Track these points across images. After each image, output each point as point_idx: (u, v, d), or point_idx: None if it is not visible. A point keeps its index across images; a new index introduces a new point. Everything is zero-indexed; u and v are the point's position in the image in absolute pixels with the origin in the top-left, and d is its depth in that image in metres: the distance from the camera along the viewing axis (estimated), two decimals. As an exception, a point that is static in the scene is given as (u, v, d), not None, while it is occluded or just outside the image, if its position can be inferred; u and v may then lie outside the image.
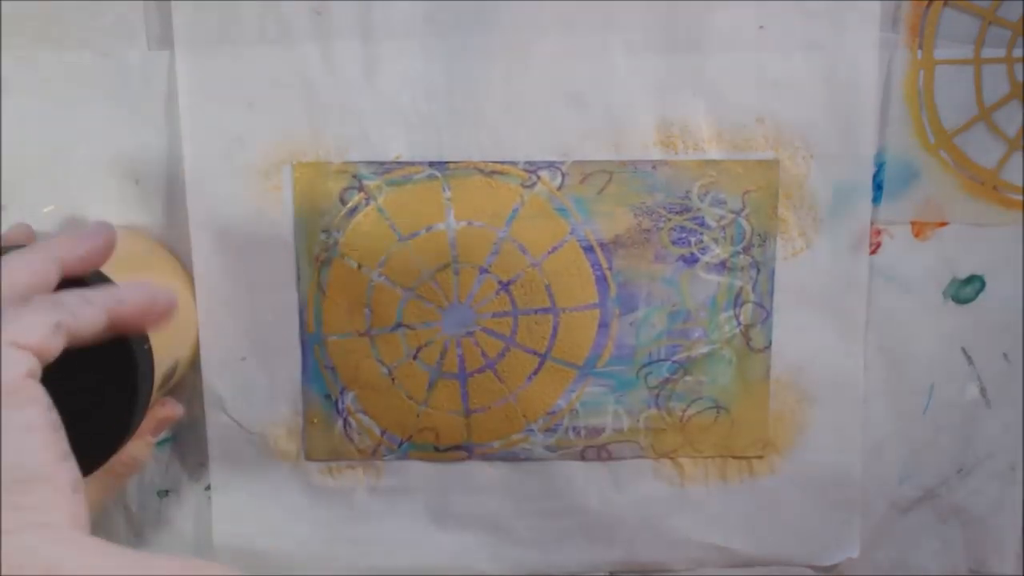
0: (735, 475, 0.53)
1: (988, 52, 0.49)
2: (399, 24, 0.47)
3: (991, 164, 0.50)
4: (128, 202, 0.49)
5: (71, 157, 0.49)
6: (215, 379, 0.50)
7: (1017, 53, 0.49)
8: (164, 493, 0.53)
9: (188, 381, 0.51)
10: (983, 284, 0.52)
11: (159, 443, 0.52)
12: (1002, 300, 0.52)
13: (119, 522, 0.53)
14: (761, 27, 0.48)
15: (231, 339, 0.50)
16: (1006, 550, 0.55)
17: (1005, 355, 0.53)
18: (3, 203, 0.49)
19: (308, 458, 0.51)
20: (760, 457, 0.52)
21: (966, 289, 0.52)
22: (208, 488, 0.52)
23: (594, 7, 0.48)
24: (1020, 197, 0.51)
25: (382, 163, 0.49)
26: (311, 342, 0.50)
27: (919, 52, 0.49)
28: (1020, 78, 0.49)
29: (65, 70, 0.48)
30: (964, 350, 0.53)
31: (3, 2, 0.47)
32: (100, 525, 0.53)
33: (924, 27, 0.49)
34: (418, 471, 0.52)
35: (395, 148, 0.49)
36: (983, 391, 0.53)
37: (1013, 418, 0.54)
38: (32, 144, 0.49)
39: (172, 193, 0.49)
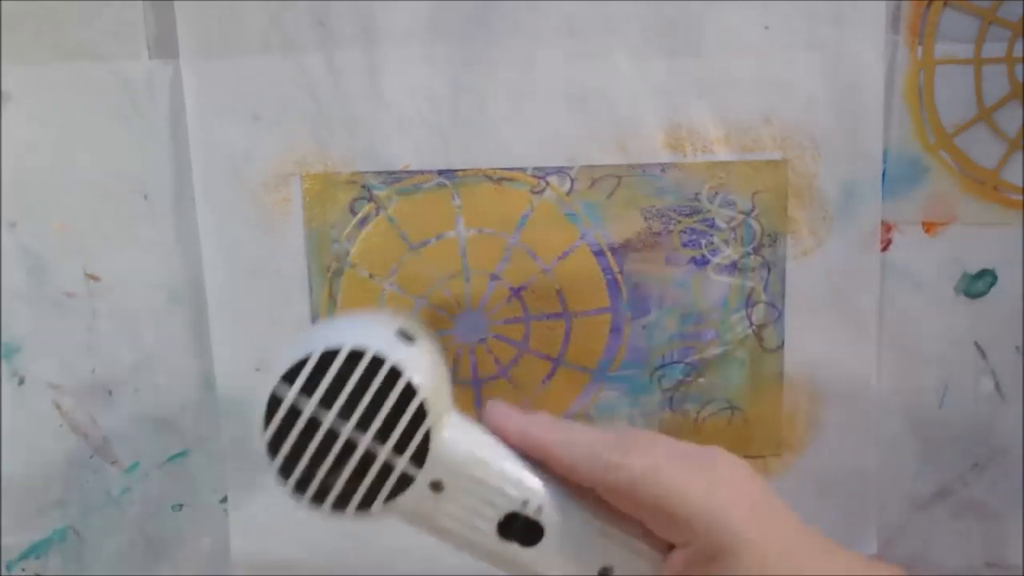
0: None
1: (988, 52, 0.49)
2: (402, 32, 0.47)
3: (991, 164, 0.51)
4: (137, 217, 0.49)
5: (79, 172, 0.49)
6: (230, 391, 0.50)
7: (1017, 53, 0.49)
8: (179, 507, 0.53)
9: (201, 395, 0.51)
10: (995, 278, 0.52)
11: (172, 457, 0.52)
12: (1014, 294, 0.52)
13: (133, 537, 0.53)
14: (766, 27, 0.48)
15: (245, 352, 0.50)
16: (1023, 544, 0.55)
17: (1018, 348, 0.53)
18: (12, 219, 0.49)
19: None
20: (776, 456, 0.52)
21: (977, 283, 0.52)
22: (223, 501, 0.52)
23: (598, 10, 0.48)
24: (1020, 197, 0.51)
25: (391, 172, 0.49)
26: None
27: (919, 52, 0.49)
28: (1020, 78, 0.49)
29: (70, 84, 0.48)
30: (977, 344, 0.53)
31: (3, 17, 0.47)
32: (115, 541, 0.53)
33: (924, 27, 0.49)
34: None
35: (403, 157, 0.49)
36: (997, 385, 0.53)
37: (1027, 412, 0.54)
38: (39, 159, 0.48)
39: (181, 207, 0.49)
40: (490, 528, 0.35)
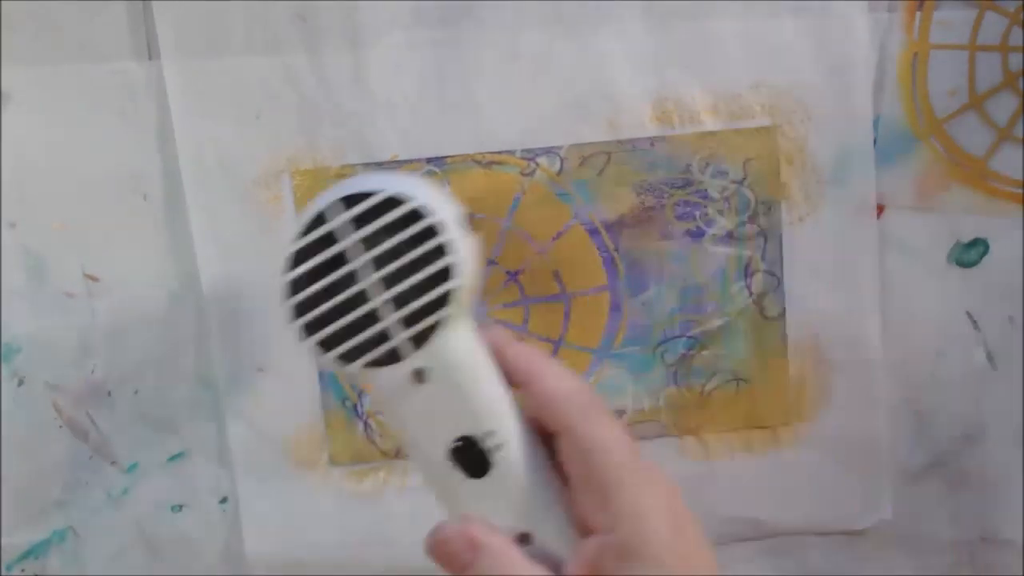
0: (761, 446, 0.53)
1: (983, 39, 0.48)
2: (385, 22, 0.47)
3: (981, 153, 0.50)
4: (137, 217, 0.49)
5: (78, 172, 0.49)
6: (233, 391, 0.50)
7: (1013, 41, 0.48)
8: (178, 508, 0.53)
9: (200, 395, 0.51)
10: (987, 247, 0.51)
11: (172, 458, 0.52)
12: (1006, 263, 0.51)
13: (133, 538, 0.53)
14: None
15: (246, 351, 0.50)
16: (1018, 516, 0.54)
17: (1010, 319, 0.52)
18: (11, 220, 0.49)
19: (333, 463, 0.51)
20: (785, 425, 0.52)
21: (970, 252, 0.51)
22: (223, 501, 0.52)
23: None
24: (1007, 187, 0.50)
25: (380, 163, 0.49)
26: (324, 347, 0.50)
27: (915, 34, 0.49)
28: (1013, 67, 0.49)
29: (70, 84, 0.48)
30: (969, 314, 0.52)
31: (3, 18, 0.47)
32: (115, 541, 0.53)
33: (921, 10, 0.48)
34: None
35: (391, 147, 0.49)
36: (989, 356, 0.53)
37: (1020, 383, 0.53)
38: (39, 160, 0.48)
39: (179, 207, 0.49)
40: (445, 441, 0.34)
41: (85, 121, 0.48)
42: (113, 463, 0.52)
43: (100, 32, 0.47)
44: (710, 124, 0.49)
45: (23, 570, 0.53)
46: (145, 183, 0.49)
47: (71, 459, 0.52)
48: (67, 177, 0.49)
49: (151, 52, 0.48)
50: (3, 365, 0.50)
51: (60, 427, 0.51)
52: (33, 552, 0.53)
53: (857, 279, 0.51)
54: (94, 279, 0.50)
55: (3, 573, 0.52)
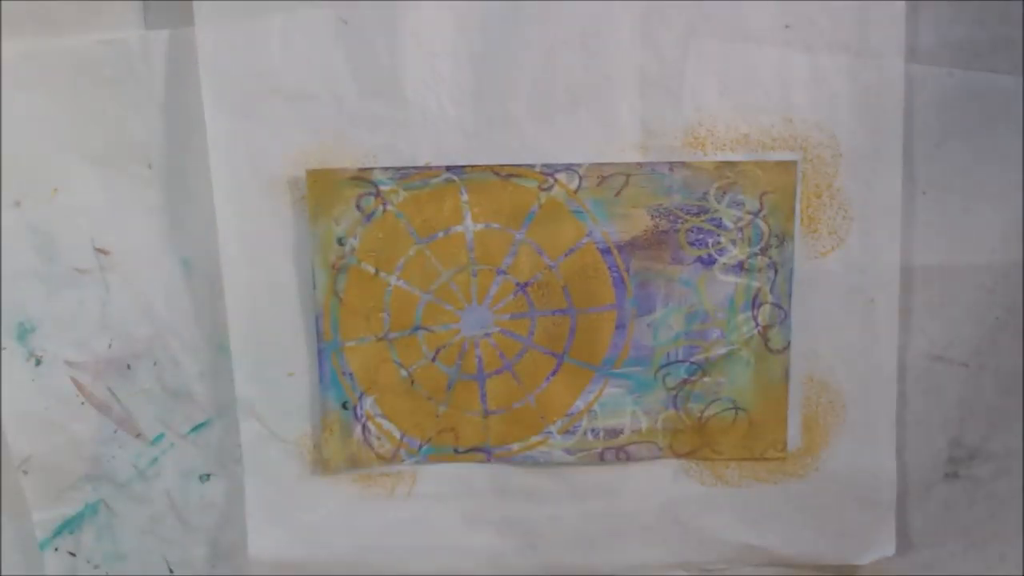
0: (766, 475, 0.53)
1: None
2: (427, 30, 0.47)
3: None
4: (142, 187, 0.50)
5: (79, 145, 0.49)
6: (247, 389, 0.51)
7: None
8: (206, 477, 0.53)
9: (218, 364, 0.51)
10: None
11: (195, 427, 0.53)
12: None
13: (163, 508, 0.53)
14: (787, 26, 0.48)
15: (257, 348, 0.51)
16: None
17: None
18: (16, 198, 0.49)
19: (327, 466, 0.52)
20: (781, 458, 0.52)
21: None
22: None
23: (621, 9, 0.47)
24: None
25: (399, 168, 0.49)
26: (328, 350, 0.50)
27: None
28: None
29: (66, 56, 0.48)
30: None
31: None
32: (146, 513, 0.54)
33: None
34: (449, 479, 0.52)
35: (420, 153, 0.49)
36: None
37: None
38: (39, 134, 0.48)
39: (187, 176, 0.49)
40: None
41: (83, 93, 0.48)
42: (138, 436, 0.52)
43: (94, 2, 0.47)
44: (738, 153, 0.49)
45: (56, 548, 0.53)
46: (149, 152, 0.49)
47: (96, 434, 0.52)
48: (67, 150, 0.49)
49: (147, 21, 0.48)
50: (19, 345, 0.51)
51: (82, 404, 0.52)
52: (67, 526, 0.53)
53: (878, 315, 0.51)
54: (105, 252, 0.50)
55: (39, 551, 0.53)
